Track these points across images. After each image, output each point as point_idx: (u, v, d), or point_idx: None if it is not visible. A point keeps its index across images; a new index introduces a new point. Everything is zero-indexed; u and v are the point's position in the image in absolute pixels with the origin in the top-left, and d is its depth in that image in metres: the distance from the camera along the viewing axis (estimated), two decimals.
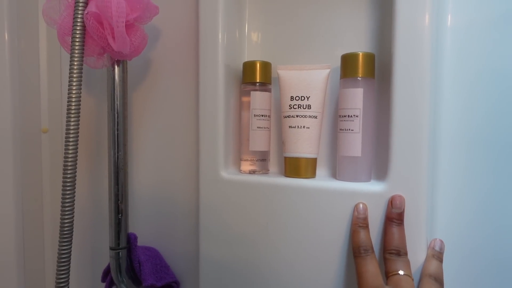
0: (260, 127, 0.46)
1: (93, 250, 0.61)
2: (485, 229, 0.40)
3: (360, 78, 0.41)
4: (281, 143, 0.46)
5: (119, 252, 0.52)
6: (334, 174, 0.45)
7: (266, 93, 0.46)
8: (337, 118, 0.44)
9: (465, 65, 0.40)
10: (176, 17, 0.52)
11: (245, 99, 0.47)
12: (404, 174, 0.38)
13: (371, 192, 0.39)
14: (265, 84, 0.47)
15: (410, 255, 0.38)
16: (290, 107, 0.44)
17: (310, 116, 0.43)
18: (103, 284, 0.55)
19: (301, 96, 0.44)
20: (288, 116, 0.44)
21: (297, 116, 0.44)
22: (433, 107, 0.38)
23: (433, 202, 0.40)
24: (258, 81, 0.46)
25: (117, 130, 0.50)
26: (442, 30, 0.40)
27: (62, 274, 0.44)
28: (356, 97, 0.40)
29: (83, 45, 0.43)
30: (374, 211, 0.39)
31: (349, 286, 0.41)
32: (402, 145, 0.38)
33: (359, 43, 0.44)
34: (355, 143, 0.41)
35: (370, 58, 0.41)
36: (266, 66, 0.46)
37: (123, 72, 0.50)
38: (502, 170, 0.40)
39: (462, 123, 0.41)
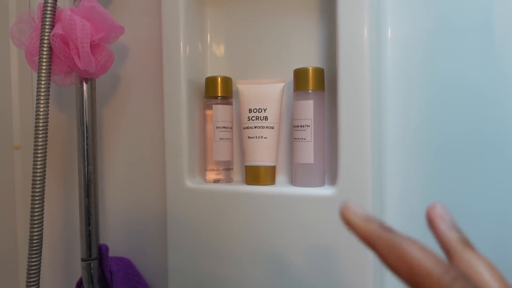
0: (222, 138, 0.49)
1: (66, 263, 0.62)
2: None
3: (310, 91, 0.44)
4: (242, 152, 0.49)
5: (90, 263, 0.53)
6: (292, 180, 0.48)
7: (227, 106, 0.49)
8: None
9: (404, 73, 0.44)
10: (142, 35, 0.55)
11: (208, 112, 0.50)
12: (352, 178, 0.41)
13: (322, 196, 0.42)
14: (227, 97, 0.50)
15: (355, 257, 0.41)
16: (249, 118, 0.47)
17: (267, 127, 0.47)
18: None
19: (259, 109, 0.47)
20: (247, 127, 0.47)
21: (255, 127, 0.47)
22: (376, 115, 0.41)
23: (381, 202, 0.44)
24: (219, 95, 0.49)
25: (87, 145, 0.52)
26: (383, 42, 0.44)
27: (32, 285, 0.46)
28: (308, 109, 0.44)
29: (50, 65, 0.46)
30: (325, 214, 0.42)
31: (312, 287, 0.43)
32: (348, 151, 0.41)
33: (312, 58, 0.48)
34: (307, 151, 0.44)
35: (319, 72, 0.45)
36: (227, 81, 0.49)
37: (92, 89, 0.52)
38: (443, 168, 0.43)
39: (403, 127, 0.44)
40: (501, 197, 0.41)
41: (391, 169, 0.44)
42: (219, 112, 0.49)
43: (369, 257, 0.41)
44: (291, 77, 0.48)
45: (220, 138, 0.49)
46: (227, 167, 0.50)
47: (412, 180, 0.44)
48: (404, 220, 0.44)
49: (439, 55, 0.43)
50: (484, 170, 0.42)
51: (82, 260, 0.53)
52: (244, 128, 0.47)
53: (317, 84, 0.44)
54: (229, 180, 0.50)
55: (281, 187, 0.46)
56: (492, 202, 0.41)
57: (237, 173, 0.52)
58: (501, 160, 0.41)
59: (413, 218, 0.44)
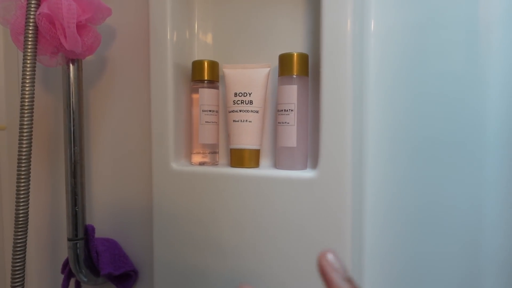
0: (208, 122, 0.50)
1: (52, 242, 0.62)
2: (415, 210, 0.45)
3: (295, 76, 0.45)
4: (227, 135, 0.50)
5: (76, 243, 0.54)
6: (276, 163, 0.49)
7: (213, 90, 0.50)
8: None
9: (387, 65, 0.45)
10: (130, 17, 0.55)
11: (194, 96, 0.51)
12: (332, 162, 0.42)
13: (304, 178, 0.44)
14: (213, 81, 0.50)
15: (336, 235, 0.42)
16: (234, 102, 0.48)
17: (252, 111, 0.47)
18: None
19: (244, 93, 0.47)
20: (233, 111, 0.48)
21: (240, 111, 0.47)
22: (357, 102, 0.43)
23: (361, 186, 0.45)
24: (206, 78, 0.49)
25: (73, 126, 0.53)
26: (366, 34, 0.45)
27: (17, 264, 0.46)
28: (291, 93, 0.45)
29: (36, 44, 0.46)
30: (306, 195, 0.43)
31: (294, 271, 0.45)
32: (329, 136, 0.42)
33: (297, 44, 0.49)
34: (291, 135, 0.45)
35: (304, 58, 0.45)
36: (213, 65, 0.50)
37: (78, 70, 0.53)
38: (423, 152, 0.44)
39: (385, 116, 0.45)
40: (477, 192, 0.43)
41: (371, 154, 0.45)
42: (205, 96, 0.49)
43: (348, 240, 0.43)
44: (275, 62, 0.48)
45: (206, 122, 0.50)
46: (213, 150, 0.51)
47: (392, 165, 0.45)
48: (383, 205, 0.46)
49: (421, 48, 0.44)
50: (462, 150, 0.43)
51: (69, 240, 0.54)
52: (230, 112, 0.48)
53: (301, 69, 0.45)
54: (214, 163, 0.51)
55: (265, 170, 0.47)
56: (467, 195, 0.43)
57: (222, 156, 0.53)
58: (481, 154, 0.42)
59: (393, 203, 0.45)
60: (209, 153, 0.51)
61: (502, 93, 0.42)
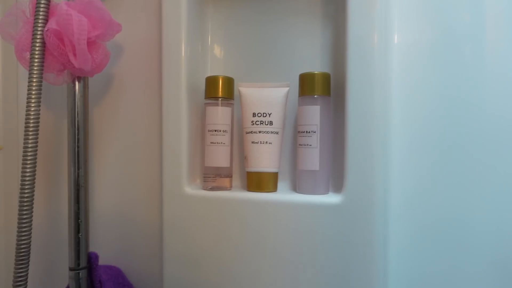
0: (213, 143, 0.47)
1: (52, 272, 0.58)
2: (439, 232, 0.43)
3: (317, 96, 0.43)
4: (244, 158, 0.47)
5: (79, 273, 0.50)
6: (295, 187, 0.47)
7: (220, 108, 0.47)
8: (296, 133, 0.46)
9: (410, 81, 0.44)
10: (139, 34, 0.53)
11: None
12: (359, 186, 0.40)
13: (328, 204, 0.41)
14: (228, 99, 0.48)
15: (363, 265, 0.40)
16: (252, 123, 0.46)
17: (272, 132, 0.45)
18: None
19: (264, 113, 0.45)
20: (251, 132, 0.46)
21: (259, 132, 0.45)
22: (384, 122, 0.41)
23: (386, 212, 0.43)
24: (221, 96, 0.47)
25: (78, 147, 0.50)
26: (390, 48, 0.43)
27: None
28: (314, 114, 0.43)
29: (43, 62, 0.43)
30: (331, 222, 0.41)
31: None
32: (356, 158, 0.40)
33: (315, 62, 0.47)
34: (313, 157, 0.43)
35: (326, 77, 0.44)
36: (229, 81, 0.48)
37: (84, 88, 0.50)
38: (449, 175, 0.43)
39: (410, 134, 0.44)
40: (503, 200, 0.41)
41: (397, 175, 0.44)
42: (210, 114, 0.47)
43: (375, 269, 0.40)
44: (292, 81, 0.46)
45: (211, 142, 0.47)
46: (220, 174, 0.47)
47: (418, 189, 0.43)
48: (409, 229, 0.44)
49: (442, 63, 0.43)
50: (489, 174, 0.42)
51: (70, 269, 0.50)
52: (247, 133, 0.46)
53: (324, 89, 0.43)
54: (222, 188, 0.47)
55: (285, 194, 0.44)
56: (493, 207, 0.42)
57: (236, 180, 0.51)
58: (502, 163, 0.41)
59: (419, 226, 0.43)
60: (214, 177, 0.47)
61: None
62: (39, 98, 0.43)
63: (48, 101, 0.58)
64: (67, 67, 0.45)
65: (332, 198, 0.42)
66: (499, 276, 0.42)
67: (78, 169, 0.50)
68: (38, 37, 0.42)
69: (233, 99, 0.48)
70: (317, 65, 0.47)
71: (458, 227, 0.42)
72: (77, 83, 0.49)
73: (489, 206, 0.42)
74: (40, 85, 0.43)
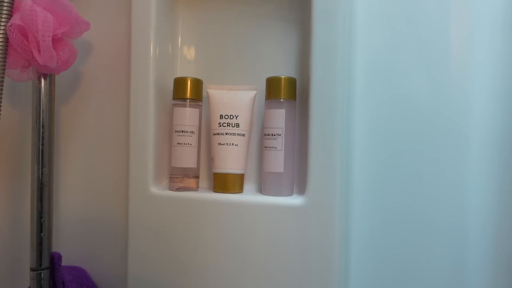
0: (180, 143, 0.47)
1: (12, 273, 0.57)
2: (401, 234, 0.44)
3: (282, 100, 0.44)
4: (211, 159, 0.48)
5: (40, 273, 0.49)
6: (261, 189, 0.48)
7: (188, 109, 0.47)
8: (263, 136, 0.47)
9: (374, 85, 0.45)
10: (109, 32, 0.53)
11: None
12: (321, 188, 0.41)
13: (291, 205, 0.42)
14: (196, 101, 0.48)
15: (323, 264, 0.41)
16: (220, 124, 0.46)
17: (238, 134, 0.46)
18: None
19: (230, 115, 0.46)
20: (218, 134, 0.46)
21: (226, 133, 0.46)
22: (345, 126, 0.42)
23: (347, 212, 0.44)
24: (189, 97, 0.47)
25: (42, 145, 0.49)
26: (354, 53, 0.44)
27: None
28: (279, 117, 0.44)
29: (5, 57, 0.42)
30: (294, 223, 0.42)
31: None
32: (318, 161, 0.41)
33: (285, 67, 0.48)
34: (278, 159, 0.44)
35: (292, 82, 0.45)
36: (197, 83, 0.48)
37: (50, 85, 0.49)
38: (407, 176, 0.44)
39: (373, 137, 0.45)
40: (463, 200, 0.43)
41: (358, 178, 0.45)
42: (178, 115, 0.47)
43: (335, 269, 0.41)
44: (261, 84, 0.47)
45: (178, 143, 0.47)
46: (187, 174, 0.47)
47: (380, 191, 0.45)
48: (370, 232, 0.45)
49: (406, 67, 0.44)
50: (450, 175, 0.43)
51: (32, 270, 0.49)
52: (214, 134, 0.46)
53: (289, 93, 0.44)
54: (189, 189, 0.47)
55: (250, 196, 0.45)
56: (454, 208, 0.43)
57: (204, 180, 0.51)
58: (462, 167, 0.43)
59: (379, 229, 0.45)
60: (181, 177, 0.47)
61: (488, 104, 0.43)
62: (1, 93, 0.42)
63: (14, 98, 0.56)
64: (32, 64, 0.44)
65: (295, 200, 0.43)
66: (460, 277, 0.43)
67: (42, 167, 0.49)
68: (0, 32, 0.41)
69: (201, 100, 0.48)
70: (286, 69, 0.48)
71: (419, 228, 0.44)
72: (42, 80, 0.48)
73: (450, 206, 0.43)
74: (2, 81, 0.42)
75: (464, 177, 0.43)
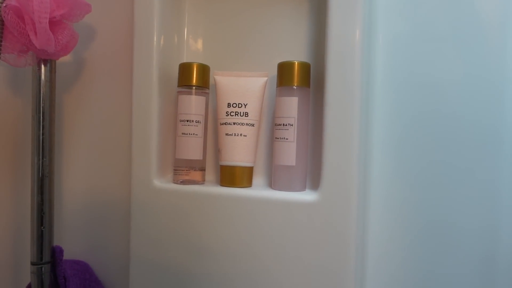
0: (185, 134, 0.44)
1: (13, 267, 0.55)
2: (419, 231, 0.41)
3: (295, 87, 0.41)
4: (218, 151, 0.45)
5: (41, 267, 0.47)
6: (271, 183, 0.45)
7: (194, 97, 0.44)
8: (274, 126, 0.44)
9: (394, 76, 0.42)
10: (112, 16, 0.50)
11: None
12: (336, 183, 0.38)
13: (303, 201, 0.39)
14: (202, 88, 0.45)
15: (337, 265, 0.38)
16: (227, 114, 0.43)
17: (247, 124, 0.43)
18: None
19: (238, 103, 0.43)
20: (225, 123, 0.43)
21: (234, 123, 0.43)
22: (364, 117, 0.39)
23: (365, 210, 0.41)
24: (194, 84, 0.44)
25: (42, 134, 0.46)
26: (373, 43, 0.41)
27: None
28: (291, 106, 0.40)
29: (1, 41, 0.40)
30: (306, 221, 0.39)
31: None
32: (333, 154, 0.38)
33: (297, 53, 0.45)
34: (289, 152, 0.40)
35: (305, 68, 0.41)
36: (204, 69, 0.45)
37: (51, 72, 0.47)
38: (430, 173, 0.41)
39: (391, 130, 0.42)
40: (486, 197, 0.40)
41: (376, 173, 0.41)
42: (183, 104, 0.44)
43: (351, 270, 0.38)
44: (272, 70, 0.44)
45: (183, 133, 0.44)
46: (193, 167, 0.45)
47: (399, 186, 0.41)
48: (388, 227, 0.42)
49: (426, 57, 0.41)
50: (472, 171, 0.40)
51: (32, 264, 0.47)
52: (221, 124, 0.43)
53: (303, 80, 0.41)
54: (194, 182, 0.45)
55: (259, 190, 0.42)
56: (475, 205, 0.40)
57: (211, 173, 0.48)
58: (488, 162, 0.39)
59: (397, 225, 0.42)
60: (187, 170, 0.44)
61: None
62: None
63: (14, 85, 0.54)
64: (30, 48, 0.42)
65: (307, 196, 0.39)
66: (481, 274, 0.40)
67: (43, 158, 0.47)
68: None
69: (208, 88, 0.45)
70: (299, 54, 0.45)
71: (438, 225, 0.41)
72: (42, 66, 0.46)
73: (470, 204, 0.40)
74: None
75: (495, 177, 0.39)
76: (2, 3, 0.39)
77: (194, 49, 0.49)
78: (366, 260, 0.42)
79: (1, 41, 0.40)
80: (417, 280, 0.42)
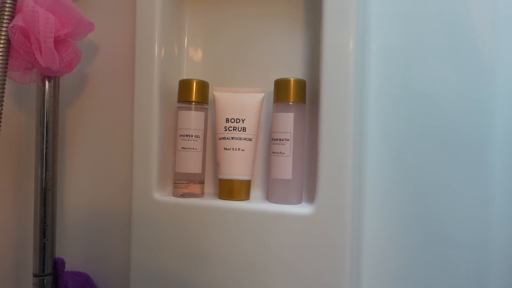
0: (185, 148, 0.45)
1: (15, 279, 0.56)
2: (415, 244, 0.42)
3: (291, 103, 0.42)
4: (216, 165, 0.46)
5: (43, 279, 0.48)
6: (268, 196, 0.46)
7: (193, 112, 0.45)
8: (270, 141, 0.45)
9: (388, 87, 0.43)
10: (114, 33, 0.51)
11: None
12: (331, 196, 0.39)
13: (299, 214, 0.40)
14: (201, 103, 0.46)
15: (333, 276, 0.39)
16: (226, 129, 0.44)
17: (245, 139, 0.44)
18: None
19: (237, 119, 0.44)
20: (223, 138, 0.44)
21: (232, 138, 0.44)
22: (358, 130, 0.40)
23: (360, 222, 0.42)
24: (194, 100, 0.45)
25: (46, 148, 0.48)
26: (367, 56, 0.42)
27: None
28: (288, 121, 0.42)
29: (7, 59, 0.41)
30: (302, 233, 0.40)
31: None
32: (328, 168, 0.39)
33: (293, 68, 0.46)
34: (286, 166, 0.42)
35: (301, 84, 0.43)
36: (203, 85, 0.46)
37: (55, 88, 0.48)
38: (425, 184, 0.42)
39: (385, 142, 0.43)
40: (478, 206, 0.40)
41: (372, 185, 0.43)
42: (183, 119, 0.45)
43: (346, 282, 0.39)
44: (269, 87, 0.45)
45: (182, 148, 0.45)
46: (192, 180, 0.46)
47: (393, 199, 0.42)
48: (383, 238, 0.43)
49: (421, 69, 0.42)
50: (466, 181, 0.41)
51: (34, 275, 0.48)
52: (220, 139, 0.45)
53: (298, 96, 0.42)
54: (194, 195, 0.46)
55: (256, 203, 0.43)
56: (469, 213, 0.41)
57: (210, 186, 0.49)
58: (480, 170, 0.40)
59: (393, 238, 0.42)
60: (186, 183, 0.45)
61: (508, 114, 0.40)
62: (2, 95, 0.41)
63: (19, 100, 0.56)
64: (34, 66, 0.43)
65: (303, 209, 0.40)
66: (478, 282, 0.41)
67: (46, 171, 0.48)
68: (2, 33, 0.41)
69: (207, 103, 0.47)
70: (296, 71, 0.46)
71: (433, 236, 0.41)
72: (47, 82, 0.47)
73: (465, 213, 0.41)
74: (4, 83, 0.41)
75: (486, 187, 0.40)
76: (9, 23, 0.41)
77: (194, 61, 0.51)
78: (361, 271, 0.43)
79: (7, 60, 0.41)
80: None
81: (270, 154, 0.44)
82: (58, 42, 0.43)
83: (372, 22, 0.43)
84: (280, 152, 0.42)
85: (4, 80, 0.41)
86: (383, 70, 0.43)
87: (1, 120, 0.41)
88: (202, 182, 0.47)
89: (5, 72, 0.41)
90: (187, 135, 0.45)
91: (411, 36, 0.42)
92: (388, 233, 0.43)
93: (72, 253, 0.53)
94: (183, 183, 0.45)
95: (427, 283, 0.42)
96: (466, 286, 0.41)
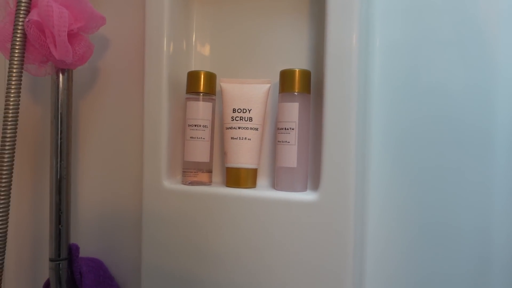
0: (193, 137, 0.46)
1: (33, 263, 0.59)
2: (418, 230, 0.43)
3: (296, 93, 0.43)
4: (224, 154, 0.47)
5: (59, 264, 0.50)
6: (274, 184, 0.47)
7: (201, 103, 0.47)
8: (276, 130, 0.46)
9: (391, 79, 0.43)
10: (125, 27, 0.53)
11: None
12: (335, 184, 0.40)
13: (304, 201, 0.41)
14: (209, 94, 0.48)
15: (337, 262, 0.40)
16: (232, 119, 0.46)
17: (251, 128, 0.45)
18: None
19: (243, 109, 0.45)
20: (231, 128, 0.46)
21: (239, 127, 0.45)
22: (361, 120, 0.41)
23: (363, 209, 0.43)
24: (202, 91, 0.47)
25: (60, 139, 0.50)
26: (371, 49, 0.43)
27: None
28: (293, 111, 0.43)
29: (23, 53, 0.43)
30: (307, 220, 0.41)
31: None
32: (333, 156, 0.40)
33: (299, 59, 0.47)
34: (291, 154, 0.43)
35: (306, 75, 0.44)
36: (210, 77, 0.47)
37: (68, 80, 0.50)
38: (428, 174, 0.42)
39: (389, 132, 0.43)
40: (483, 194, 0.41)
41: (374, 175, 0.43)
42: (190, 109, 0.47)
43: (350, 268, 0.40)
44: (274, 77, 0.46)
45: (191, 137, 0.47)
46: (202, 169, 0.47)
47: (396, 186, 0.43)
48: (386, 228, 0.43)
49: (424, 63, 0.43)
50: (469, 173, 0.41)
51: (51, 260, 0.50)
52: (227, 128, 0.46)
53: (303, 86, 0.43)
54: (202, 183, 0.47)
55: (262, 191, 0.44)
56: (473, 205, 0.41)
57: (217, 175, 0.51)
58: (482, 164, 0.41)
59: (396, 225, 0.43)
60: (195, 171, 0.47)
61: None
62: (19, 88, 0.43)
63: (34, 93, 0.58)
64: (49, 59, 0.45)
65: (308, 196, 0.42)
66: (480, 273, 0.41)
67: (60, 161, 0.50)
68: (19, 27, 0.42)
69: (214, 94, 0.48)
70: (301, 62, 0.47)
71: (436, 224, 0.42)
72: (60, 75, 0.49)
73: (467, 204, 0.41)
74: (20, 76, 0.43)
75: (488, 178, 0.40)
76: (25, 18, 0.42)
77: (202, 55, 0.52)
78: (364, 258, 0.44)
79: (24, 53, 0.43)
80: (416, 279, 0.43)
81: (275, 143, 0.45)
82: (72, 35, 0.44)
83: (376, 15, 0.43)
84: (286, 141, 0.43)
85: (21, 72, 0.43)
86: (386, 62, 0.43)
87: (19, 111, 0.43)
88: (210, 171, 0.48)
89: (22, 64, 0.43)
90: (195, 125, 0.46)
91: (414, 28, 0.43)
92: (391, 219, 0.43)
93: (85, 240, 0.55)
94: (191, 171, 0.47)
95: (430, 270, 0.43)
96: (467, 273, 0.41)
